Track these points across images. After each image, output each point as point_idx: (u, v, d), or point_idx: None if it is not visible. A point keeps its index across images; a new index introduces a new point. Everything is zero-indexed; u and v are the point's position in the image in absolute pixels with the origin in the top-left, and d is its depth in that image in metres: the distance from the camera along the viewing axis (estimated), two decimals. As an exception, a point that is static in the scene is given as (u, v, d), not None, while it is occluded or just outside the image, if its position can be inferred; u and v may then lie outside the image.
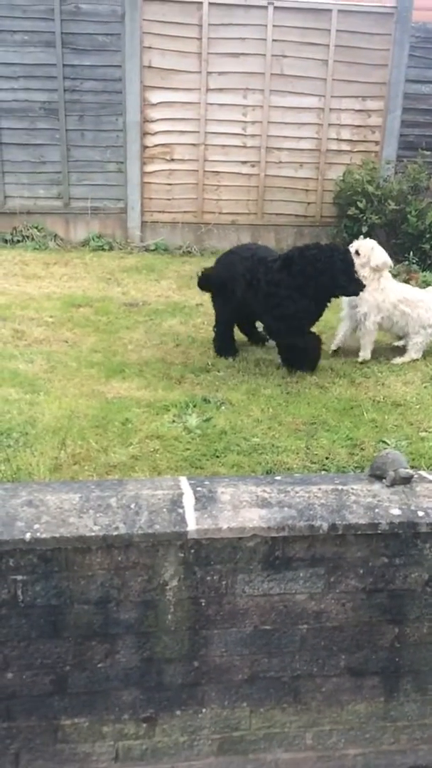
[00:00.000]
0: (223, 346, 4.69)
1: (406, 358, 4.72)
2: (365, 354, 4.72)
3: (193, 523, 2.29)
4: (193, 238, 8.53)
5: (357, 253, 4.63)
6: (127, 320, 5.27)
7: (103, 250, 7.99)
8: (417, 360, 4.73)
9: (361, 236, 5.11)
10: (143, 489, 2.44)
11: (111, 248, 8.09)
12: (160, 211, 8.49)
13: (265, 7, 7.88)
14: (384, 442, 3.45)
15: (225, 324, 4.73)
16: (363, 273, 4.59)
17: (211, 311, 5.56)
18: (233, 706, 2.51)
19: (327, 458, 3.28)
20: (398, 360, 4.70)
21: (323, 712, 2.55)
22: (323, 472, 3.11)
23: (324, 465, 3.22)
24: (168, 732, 2.49)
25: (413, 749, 2.64)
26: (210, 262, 7.53)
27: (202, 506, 2.36)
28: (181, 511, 2.33)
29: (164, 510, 2.34)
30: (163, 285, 6.48)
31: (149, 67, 7.95)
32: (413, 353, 4.73)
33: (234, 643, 2.43)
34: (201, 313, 5.55)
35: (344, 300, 4.77)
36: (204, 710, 2.49)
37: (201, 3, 7.77)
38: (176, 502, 2.37)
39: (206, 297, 6.01)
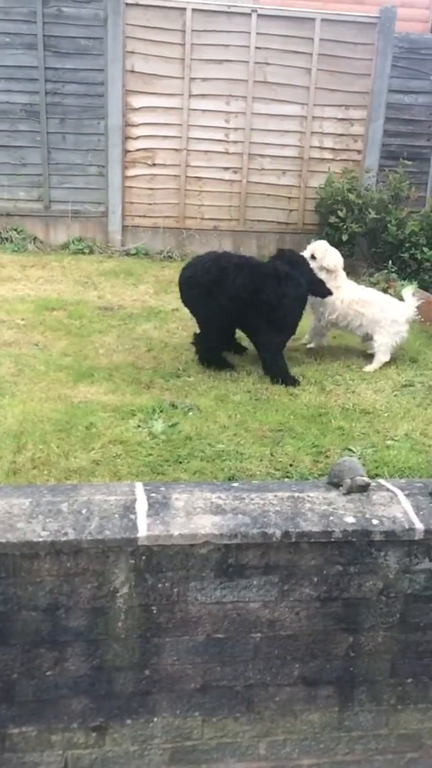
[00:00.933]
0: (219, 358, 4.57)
1: (375, 365, 4.74)
2: (312, 344, 5.03)
3: (144, 529, 2.26)
4: (174, 243, 8.51)
5: (312, 256, 4.80)
6: (101, 324, 5.24)
7: (83, 253, 7.95)
8: (386, 362, 4.76)
9: (313, 240, 5.18)
10: (96, 494, 2.41)
11: (91, 252, 8.06)
12: (141, 216, 8.46)
13: (249, 15, 7.90)
14: (350, 449, 3.43)
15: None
16: (320, 275, 4.77)
17: (187, 316, 5.55)
18: (185, 716, 2.47)
19: (291, 465, 3.26)
20: (368, 367, 4.72)
21: (277, 722, 2.53)
22: (286, 480, 3.09)
23: (287, 472, 3.20)
24: (118, 741, 2.46)
25: (368, 760, 2.61)
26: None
27: (155, 512, 2.33)
28: (133, 517, 2.31)
29: (116, 516, 2.31)
30: (141, 289, 6.45)
31: (132, 71, 7.94)
32: (381, 356, 4.76)
33: (186, 652, 2.40)
34: (176, 318, 5.53)
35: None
36: (155, 719, 2.46)
37: (184, 9, 7.77)
38: (129, 508, 2.35)
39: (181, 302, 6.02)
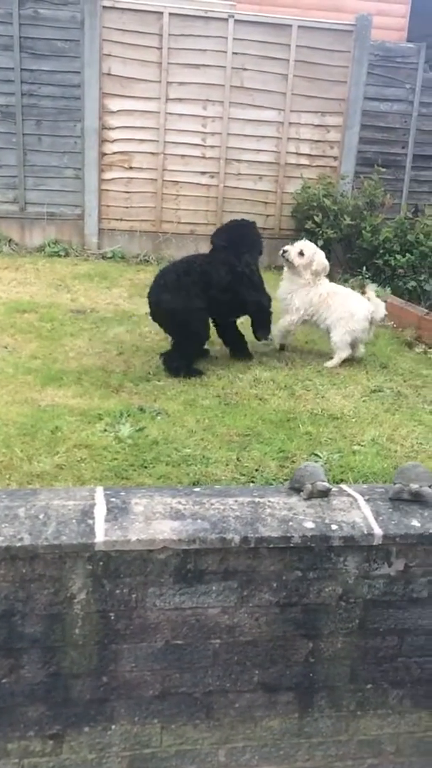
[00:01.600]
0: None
1: (335, 360, 4.83)
2: (275, 343, 5.07)
3: (101, 534, 2.24)
4: (150, 246, 8.50)
5: (301, 253, 4.86)
6: (72, 327, 5.21)
7: (59, 256, 7.91)
8: (347, 360, 4.85)
9: (302, 239, 5.20)
10: (55, 499, 2.39)
11: (67, 254, 8.02)
12: (117, 219, 8.44)
13: (226, 20, 7.92)
14: (316, 454, 3.44)
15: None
16: (306, 276, 4.84)
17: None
18: (144, 723, 2.45)
19: (257, 470, 3.25)
20: (328, 363, 4.83)
21: (236, 729, 2.52)
22: (251, 485, 3.08)
23: (253, 477, 3.19)
24: (76, 749, 2.43)
25: (328, 766, 2.61)
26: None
27: (113, 517, 2.31)
28: (90, 522, 2.29)
29: (73, 521, 2.28)
30: (114, 293, 6.43)
31: (109, 74, 7.92)
32: (339, 352, 4.83)
33: (145, 658, 2.39)
34: (149, 322, 5.45)
35: (280, 294, 5.04)
36: (113, 727, 2.44)
37: (161, 13, 7.78)
38: (87, 513, 2.33)
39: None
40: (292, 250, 4.91)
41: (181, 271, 4.62)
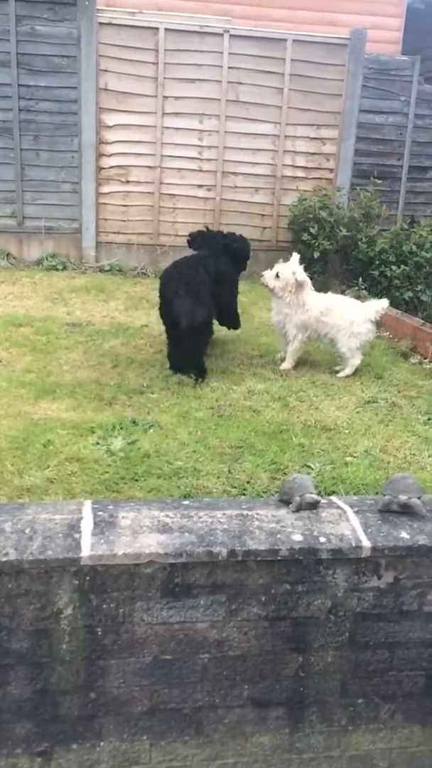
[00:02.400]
0: None
1: (348, 370, 4.86)
2: (286, 365, 4.95)
3: (87, 548, 2.23)
4: (148, 259, 8.53)
5: (278, 275, 4.84)
6: (68, 340, 5.21)
7: (57, 269, 7.94)
8: (354, 372, 4.86)
9: (280, 260, 5.21)
10: (42, 513, 2.38)
11: (65, 268, 8.05)
12: (115, 232, 8.48)
13: (221, 35, 7.99)
14: (308, 466, 3.42)
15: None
16: (285, 297, 4.82)
17: (155, 332, 5.56)
18: (132, 739, 2.43)
19: (248, 482, 3.24)
20: (342, 373, 4.87)
21: (227, 745, 2.49)
22: (242, 497, 3.07)
23: (244, 490, 3.18)
24: (64, 766, 2.40)
25: (320, 782, 2.58)
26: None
27: (100, 531, 2.30)
28: (77, 536, 2.28)
29: (60, 535, 2.28)
30: (111, 305, 6.44)
31: (105, 89, 7.98)
32: (351, 360, 4.85)
33: (133, 674, 2.37)
34: (144, 335, 5.52)
35: (272, 319, 5.05)
36: (102, 743, 2.41)
37: (157, 29, 7.85)
38: (74, 527, 2.32)
39: (152, 319, 6.03)
40: (267, 274, 4.89)
41: (199, 282, 4.69)
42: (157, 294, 4.79)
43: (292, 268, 4.85)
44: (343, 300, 5.12)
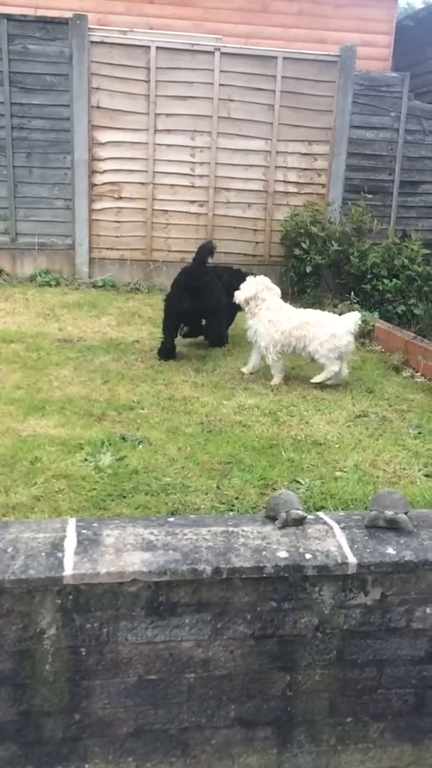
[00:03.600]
0: None
1: (323, 375, 4.94)
2: (275, 381, 5.02)
3: (70, 567, 2.20)
4: (141, 275, 8.56)
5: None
6: (58, 356, 5.21)
7: (50, 285, 7.96)
8: (334, 372, 4.92)
9: (250, 276, 5.32)
10: (26, 532, 2.35)
11: (58, 284, 8.07)
12: (108, 248, 8.52)
13: (212, 53, 8.07)
14: (297, 481, 3.41)
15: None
16: (251, 311, 5.09)
17: (147, 348, 5.57)
18: (118, 761, 2.39)
19: (237, 498, 3.22)
20: (316, 378, 4.96)
21: (213, 766, 2.45)
22: (230, 513, 3.05)
23: (233, 505, 3.16)
24: (48, 790, 2.36)
25: (309, 804, 2.54)
26: (157, 299, 7.57)
27: (83, 550, 2.28)
28: (60, 555, 2.25)
29: (42, 554, 2.25)
30: (103, 321, 6.45)
31: (98, 107, 8.05)
32: (328, 367, 4.92)
33: (117, 694, 2.33)
34: (136, 350, 5.52)
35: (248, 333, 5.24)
36: (87, 766, 2.37)
37: (149, 47, 7.93)
38: (57, 546, 2.29)
39: (144, 334, 6.03)
40: (237, 293, 5.12)
41: (215, 276, 5.67)
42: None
43: (255, 283, 5.05)
44: (319, 314, 5.19)
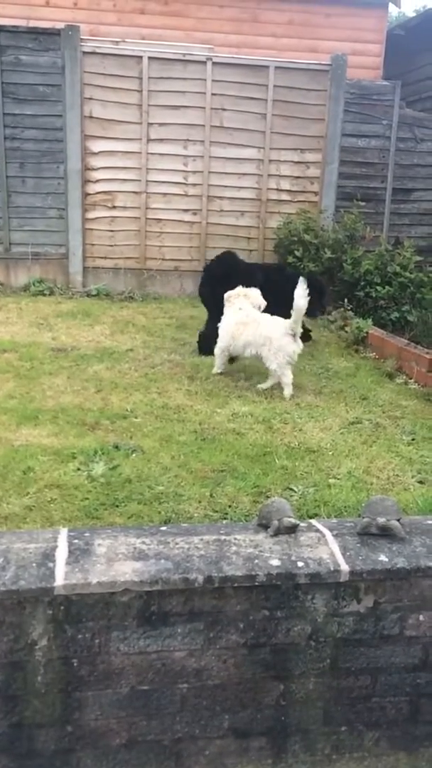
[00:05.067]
0: None
1: (269, 382, 5.04)
2: (214, 370, 5.32)
3: (61, 578, 2.19)
4: (135, 283, 8.57)
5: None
6: (52, 366, 5.20)
7: (44, 295, 7.97)
8: (281, 380, 4.96)
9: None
10: (17, 542, 2.34)
11: (52, 293, 8.07)
12: (102, 257, 8.53)
13: (204, 63, 8.11)
14: (291, 489, 3.41)
15: None
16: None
17: (140, 357, 5.57)
18: (111, 773, 2.37)
19: (230, 507, 3.21)
20: (263, 386, 5.03)
21: (207, 777, 2.43)
22: (223, 521, 3.05)
23: (226, 514, 3.15)
24: (41, 803, 2.34)
25: None
26: (151, 308, 7.60)
27: (75, 560, 2.27)
28: (51, 565, 2.24)
29: (33, 564, 2.24)
30: (97, 330, 6.44)
31: (90, 117, 8.08)
32: (285, 379, 4.95)
33: (110, 705, 2.31)
34: (129, 359, 5.52)
35: None
36: (79, 778, 2.35)
37: (141, 57, 7.97)
38: (48, 556, 2.28)
39: (137, 342, 6.04)
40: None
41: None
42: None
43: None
44: (259, 316, 5.23)
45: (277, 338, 4.91)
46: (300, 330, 4.99)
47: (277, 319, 5.04)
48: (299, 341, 5.01)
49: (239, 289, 5.32)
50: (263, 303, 5.31)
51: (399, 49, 10.47)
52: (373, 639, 2.41)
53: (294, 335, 4.93)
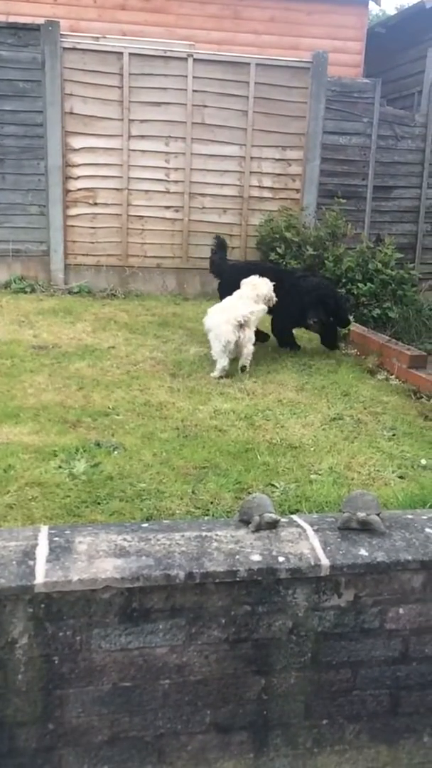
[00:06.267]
0: None
1: (215, 373, 5.18)
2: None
3: (41, 575, 2.18)
4: (117, 280, 8.54)
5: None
6: (33, 363, 5.18)
7: (25, 292, 7.91)
8: (222, 367, 5.16)
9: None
10: (-3, 540, 2.33)
11: (33, 290, 8.02)
12: (84, 254, 8.48)
13: (185, 59, 8.10)
14: (272, 485, 3.42)
15: None
16: None
17: (122, 354, 5.56)
18: (93, 771, 2.37)
19: (212, 503, 3.22)
20: (212, 374, 5.16)
21: (190, 772, 2.44)
22: (205, 518, 3.05)
23: (208, 510, 3.16)
24: (23, 802, 2.33)
25: (287, 807, 2.53)
26: (133, 305, 7.57)
27: (56, 557, 2.26)
28: (31, 563, 2.23)
29: (14, 563, 2.22)
30: (78, 327, 6.42)
31: (71, 113, 8.03)
32: (219, 363, 5.17)
33: (92, 702, 2.31)
34: (111, 356, 5.50)
35: None
36: (61, 776, 2.35)
37: (121, 53, 7.94)
38: (28, 554, 2.27)
39: (119, 339, 6.02)
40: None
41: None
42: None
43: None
44: (218, 305, 5.42)
45: (217, 325, 5.12)
46: (247, 320, 5.17)
47: (232, 308, 5.25)
48: (247, 332, 5.16)
49: (253, 278, 5.47)
50: (272, 297, 5.48)
51: (379, 47, 10.53)
52: (353, 633, 2.43)
53: (240, 325, 5.08)
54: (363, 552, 2.40)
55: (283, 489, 3.37)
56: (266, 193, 8.75)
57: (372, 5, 10.22)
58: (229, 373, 5.24)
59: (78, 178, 8.24)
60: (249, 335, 5.22)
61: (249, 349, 5.25)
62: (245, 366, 5.26)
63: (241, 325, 5.09)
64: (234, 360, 5.28)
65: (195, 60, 8.11)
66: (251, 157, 8.57)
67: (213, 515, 3.10)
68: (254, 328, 5.39)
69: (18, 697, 2.25)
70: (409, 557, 2.40)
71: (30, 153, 8.02)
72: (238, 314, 5.12)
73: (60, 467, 3.46)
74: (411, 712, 2.56)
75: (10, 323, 6.35)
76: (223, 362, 5.10)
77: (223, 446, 3.85)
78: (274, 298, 5.54)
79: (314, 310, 5.69)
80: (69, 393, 4.60)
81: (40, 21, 7.82)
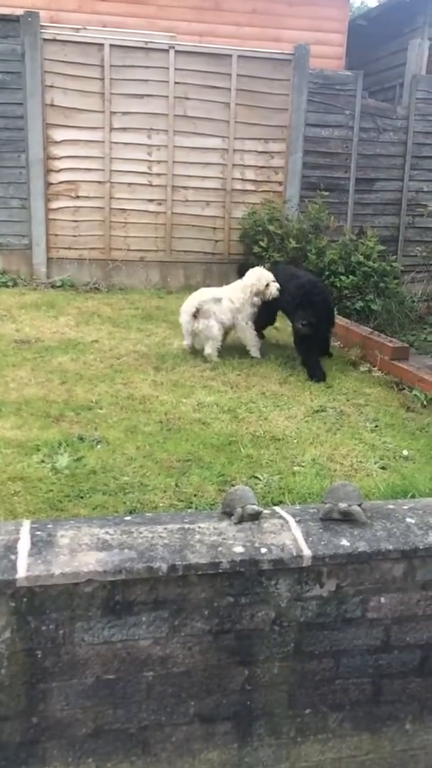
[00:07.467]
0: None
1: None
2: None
3: (23, 570, 2.18)
4: (101, 274, 8.50)
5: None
6: (15, 357, 5.14)
7: (7, 286, 7.85)
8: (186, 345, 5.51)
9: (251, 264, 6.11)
10: (-22, 535, 2.32)
11: (15, 284, 7.96)
12: (66, 248, 8.43)
13: (167, 51, 8.05)
14: (256, 477, 3.43)
15: None
16: None
17: (106, 348, 5.54)
18: (78, 763, 2.37)
19: (195, 496, 3.22)
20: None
21: (174, 763, 2.45)
22: (188, 510, 3.05)
23: (191, 503, 3.16)
24: (7, 796, 2.33)
25: (271, 796, 2.55)
26: (117, 299, 7.54)
27: (38, 551, 2.25)
28: (13, 557, 2.22)
29: (-5, 557, 2.22)
30: (61, 321, 6.38)
31: (52, 105, 7.96)
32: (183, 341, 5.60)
33: (75, 696, 2.31)
34: (94, 350, 5.48)
35: None
36: (46, 769, 2.35)
37: (102, 45, 7.87)
38: (10, 548, 2.26)
39: (102, 333, 5.99)
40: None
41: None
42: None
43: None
44: (202, 293, 5.56)
45: (181, 313, 5.42)
46: (202, 309, 5.33)
47: (199, 299, 5.38)
48: (202, 321, 5.32)
49: (256, 268, 5.82)
50: (266, 292, 5.60)
51: (361, 40, 10.53)
52: (335, 622, 2.45)
53: (194, 315, 5.30)
54: (345, 542, 2.42)
55: (267, 481, 3.38)
56: (249, 186, 8.73)
57: (353, -3, 10.21)
58: (212, 367, 5.23)
59: (60, 170, 8.18)
60: (207, 324, 5.32)
61: (210, 338, 5.37)
62: (209, 355, 5.38)
63: (195, 315, 5.30)
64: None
65: (177, 52, 8.06)
66: (234, 150, 8.54)
67: (196, 508, 3.10)
68: (227, 318, 5.47)
69: (1, 692, 2.24)
70: (390, 547, 2.42)
71: (10, 146, 7.94)
72: (194, 301, 5.33)
73: (43, 461, 3.45)
74: (393, 700, 2.59)
75: (-8, 318, 6.31)
76: (185, 342, 5.51)
77: (207, 439, 3.86)
78: (272, 294, 5.57)
79: (304, 311, 5.44)
80: (52, 387, 4.58)
81: (20, 12, 7.72)
